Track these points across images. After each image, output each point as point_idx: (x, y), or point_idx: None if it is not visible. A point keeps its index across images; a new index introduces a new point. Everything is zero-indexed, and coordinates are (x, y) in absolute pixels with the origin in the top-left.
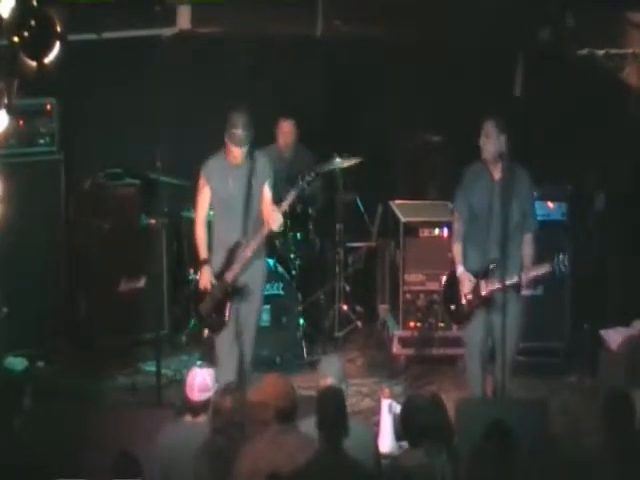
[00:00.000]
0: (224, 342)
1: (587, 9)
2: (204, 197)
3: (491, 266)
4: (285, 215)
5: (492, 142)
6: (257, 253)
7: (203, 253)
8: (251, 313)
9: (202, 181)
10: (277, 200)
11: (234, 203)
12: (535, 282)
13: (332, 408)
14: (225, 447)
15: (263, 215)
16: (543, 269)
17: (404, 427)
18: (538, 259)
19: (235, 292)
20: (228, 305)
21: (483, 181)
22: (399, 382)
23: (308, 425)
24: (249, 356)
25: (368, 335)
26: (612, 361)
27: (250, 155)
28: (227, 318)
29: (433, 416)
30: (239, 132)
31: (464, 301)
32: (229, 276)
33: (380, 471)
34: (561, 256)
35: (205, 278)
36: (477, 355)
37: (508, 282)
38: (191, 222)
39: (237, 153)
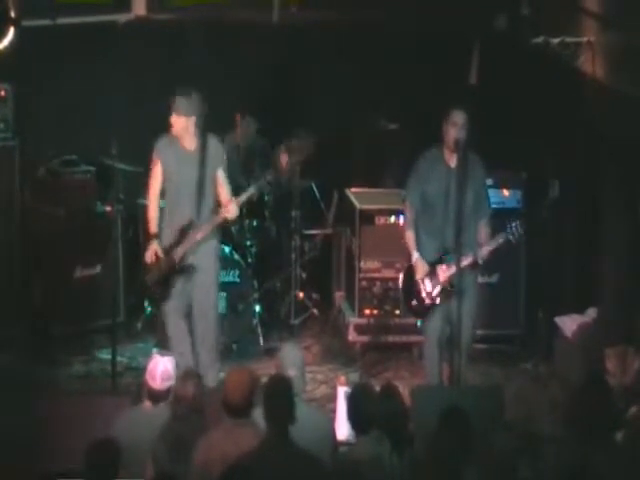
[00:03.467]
0: (173, 326)
1: None
2: (156, 173)
3: (443, 257)
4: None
5: (459, 131)
6: (209, 236)
7: (153, 227)
8: (205, 297)
9: (154, 158)
10: (233, 188)
11: (186, 189)
12: (493, 255)
13: (278, 399)
14: (185, 434)
15: (220, 199)
16: (499, 239)
17: (350, 416)
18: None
19: (181, 269)
20: (173, 280)
21: (439, 168)
22: (355, 369)
23: (259, 414)
24: (209, 342)
25: (324, 322)
26: (567, 348)
27: (202, 138)
28: (171, 292)
29: (381, 405)
30: (181, 99)
31: (424, 294)
32: (177, 253)
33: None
34: (513, 223)
35: (151, 251)
36: (435, 342)
37: (465, 262)
38: (147, 209)
39: (180, 124)
